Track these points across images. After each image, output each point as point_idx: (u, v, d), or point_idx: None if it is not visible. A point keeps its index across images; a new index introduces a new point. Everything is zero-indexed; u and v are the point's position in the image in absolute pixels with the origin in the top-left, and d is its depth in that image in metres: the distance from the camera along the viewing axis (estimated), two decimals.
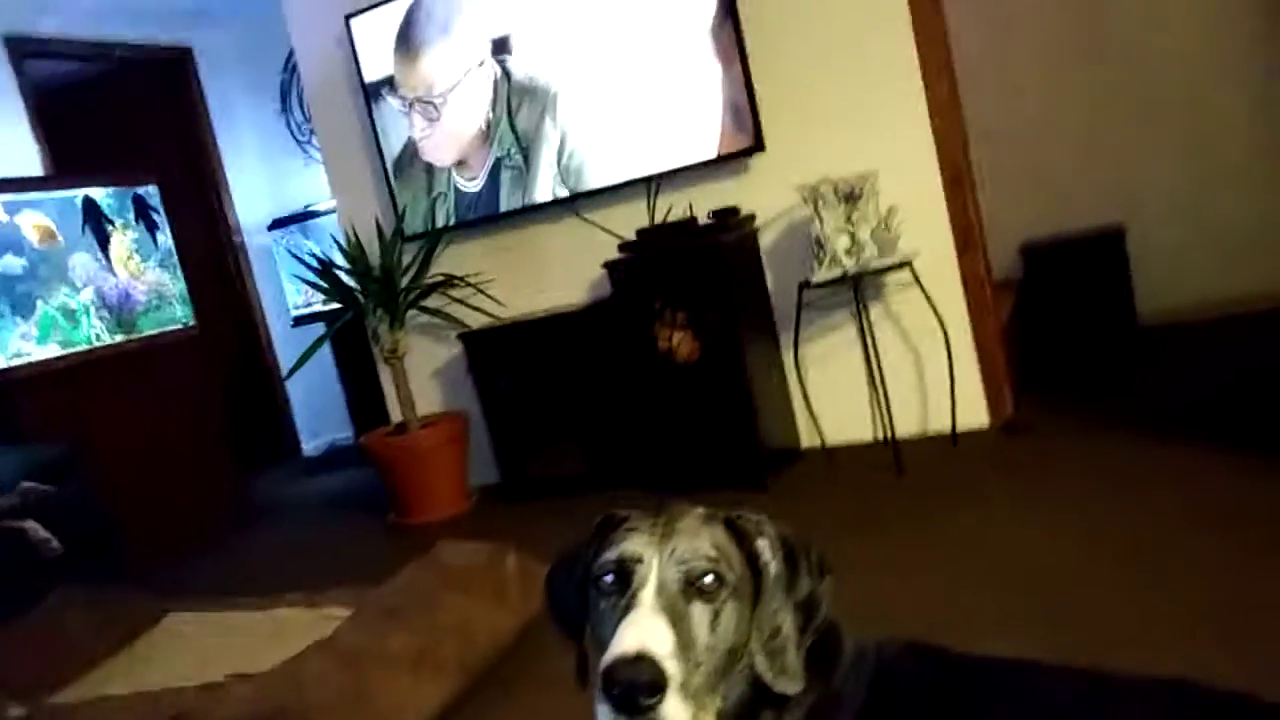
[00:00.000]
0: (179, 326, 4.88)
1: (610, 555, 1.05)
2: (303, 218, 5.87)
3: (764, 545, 1.09)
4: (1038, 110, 4.57)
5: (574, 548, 1.16)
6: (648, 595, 0.99)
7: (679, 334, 3.45)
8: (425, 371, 4.44)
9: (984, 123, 4.03)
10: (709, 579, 1.02)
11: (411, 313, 4.15)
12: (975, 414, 3.52)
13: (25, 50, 4.96)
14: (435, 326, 4.26)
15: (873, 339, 3.33)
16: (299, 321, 5.89)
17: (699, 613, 1.00)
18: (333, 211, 5.09)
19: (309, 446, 6.29)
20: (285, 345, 6.08)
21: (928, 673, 1.14)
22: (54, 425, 4.03)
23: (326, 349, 5.43)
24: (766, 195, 3.64)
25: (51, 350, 4.28)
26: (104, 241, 4.70)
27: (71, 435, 3.99)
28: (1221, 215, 4.33)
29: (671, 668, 0.93)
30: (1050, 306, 4.36)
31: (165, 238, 4.95)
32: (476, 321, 4.11)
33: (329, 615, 2.74)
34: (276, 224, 5.98)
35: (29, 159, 4.87)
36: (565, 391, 3.88)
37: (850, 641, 1.16)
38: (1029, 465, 3.09)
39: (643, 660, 0.92)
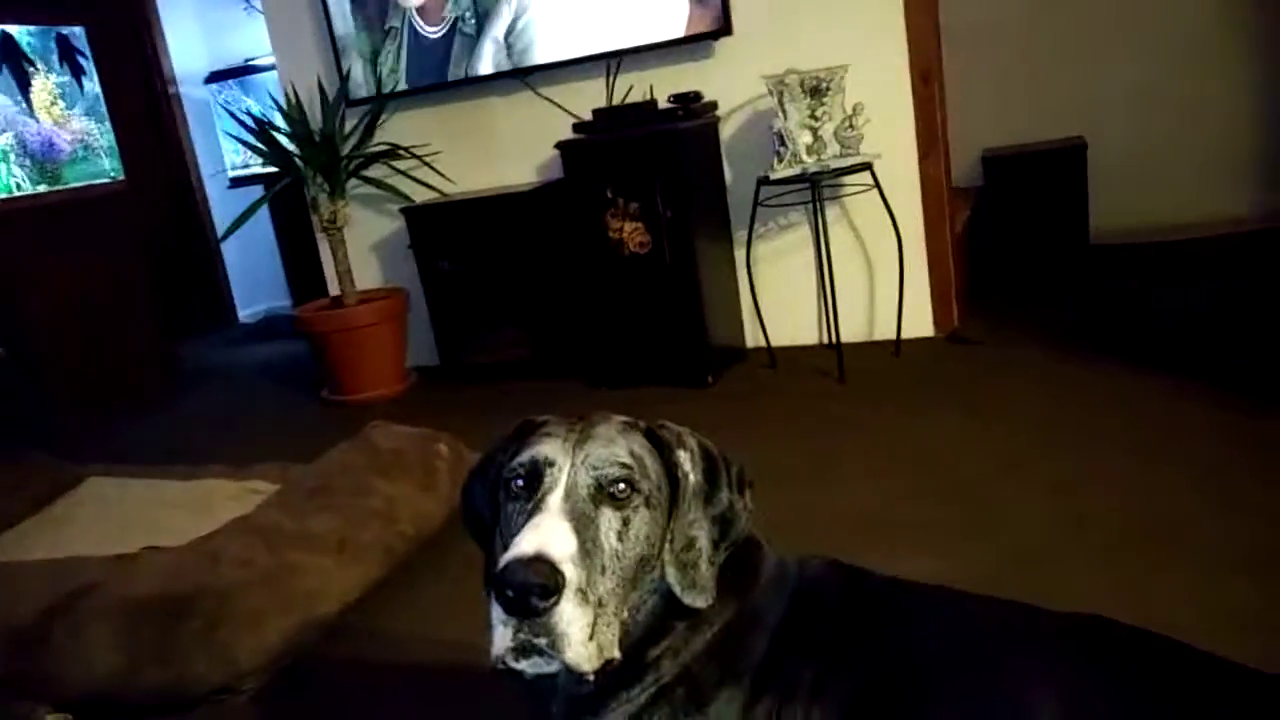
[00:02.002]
0: (107, 180, 4.64)
1: (523, 458, 1.00)
2: (242, 72, 5.56)
3: (684, 456, 1.05)
4: (1015, 13, 4.44)
5: (491, 451, 1.10)
6: (555, 499, 0.95)
7: (630, 224, 3.35)
8: (366, 244, 4.29)
9: (958, 23, 3.90)
10: (620, 486, 0.98)
11: (353, 182, 3.97)
12: (921, 323, 3.51)
13: None
14: (378, 198, 4.09)
15: (826, 241, 3.26)
16: (236, 183, 5.65)
17: (608, 519, 0.97)
18: (274, 67, 4.81)
19: (245, 314, 6.13)
20: (222, 207, 5.85)
21: (849, 594, 1.13)
22: None
23: (265, 215, 5.24)
24: (730, 83, 3.49)
25: None
26: (24, 85, 4.40)
27: None
28: (1182, 140, 4.30)
29: (569, 571, 0.89)
30: (1006, 218, 4.32)
31: (92, 84, 4.66)
32: (421, 196, 3.95)
33: (254, 489, 2.68)
34: (214, 77, 5.66)
35: None
36: (510, 275, 3.77)
37: (771, 559, 1.13)
38: (969, 377, 3.10)
39: (538, 562, 0.88)
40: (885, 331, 3.52)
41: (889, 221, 3.29)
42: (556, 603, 0.88)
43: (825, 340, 3.62)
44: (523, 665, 0.92)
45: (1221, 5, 4.14)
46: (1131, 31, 4.29)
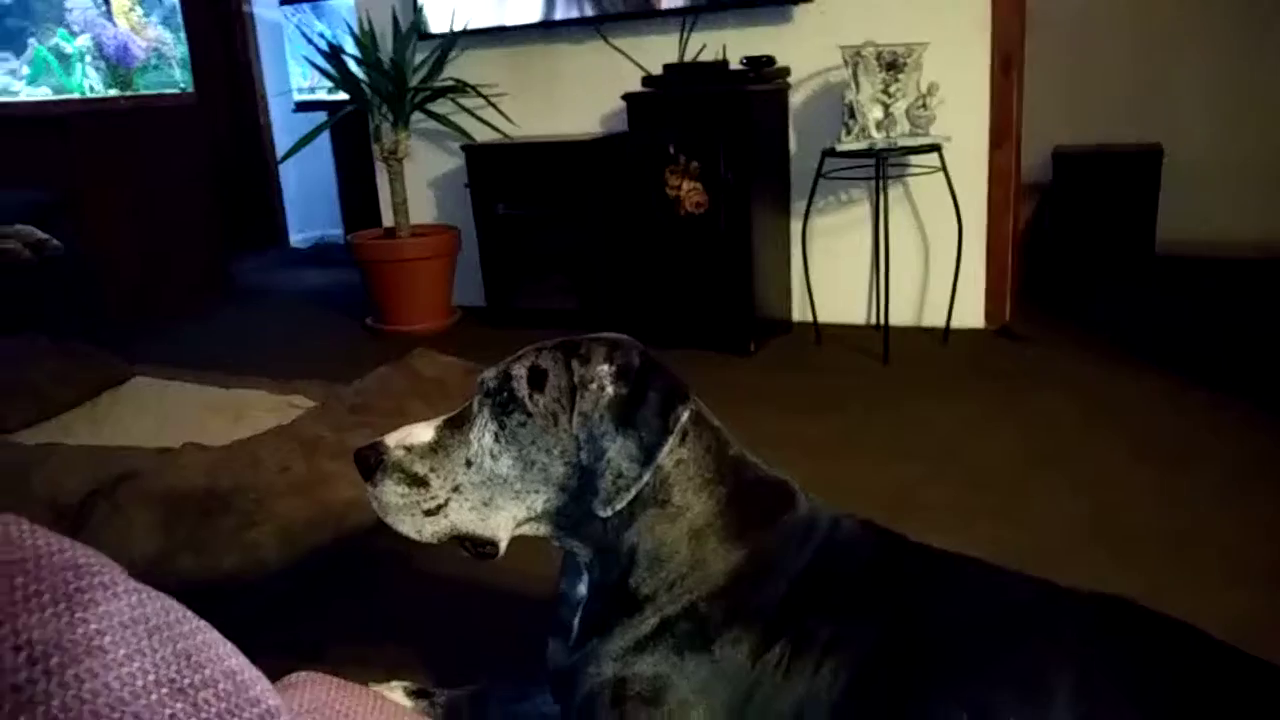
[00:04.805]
0: (176, 91, 4.69)
1: None
2: None
3: (601, 371, 1.06)
4: (1103, 10, 4.33)
5: None
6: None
7: (689, 183, 3.33)
8: (424, 179, 4.31)
9: (1044, 13, 3.81)
10: (504, 395, 1.08)
11: (417, 116, 3.98)
12: (972, 314, 3.47)
13: None
14: (439, 135, 4.10)
15: (885, 221, 3.22)
16: (301, 107, 5.68)
17: (482, 423, 1.09)
18: None
19: (297, 238, 6.19)
20: (284, 131, 5.89)
21: (878, 555, 1.12)
22: (40, 172, 3.90)
23: (326, 142, 5.28)
24: (805, 51, 3.45)
25: (42, 93, 4.11)
26: None
27: (58, 185, 3.87)
28: (1262, 157, 4.18)
29: (399, 454, 1.11)
30: (1072, 217, 4.23)
31: None
32: (483, 136, 3.95)
33: (293, 404, 2.72)
34: (288, 0, 5.68)
35: None
36: (564, 223, 3.77)
37: (803, 510, 1.13)
38: (1013, 372, 3.06)
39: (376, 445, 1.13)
40: (935, 319, 3.48)
41: (952, 207, 3.24)
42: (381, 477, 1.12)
43: (874, 321, 3.59)
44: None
45: None
46: (1220, 41, 4.16)
